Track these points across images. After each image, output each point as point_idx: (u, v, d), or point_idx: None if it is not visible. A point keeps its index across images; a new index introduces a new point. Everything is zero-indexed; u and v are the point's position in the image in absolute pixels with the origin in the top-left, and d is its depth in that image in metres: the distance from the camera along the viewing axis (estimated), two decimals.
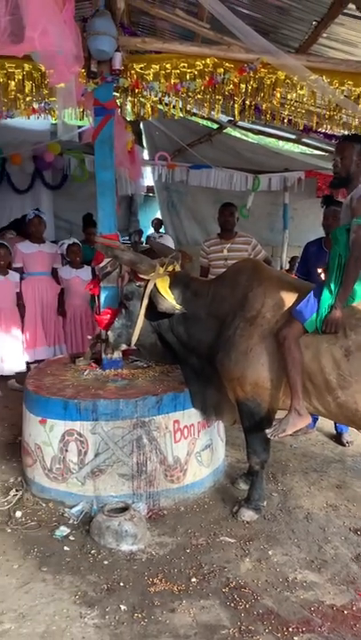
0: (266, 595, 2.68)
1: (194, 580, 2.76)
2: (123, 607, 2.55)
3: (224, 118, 7.40)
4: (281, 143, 8.51)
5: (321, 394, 3.06)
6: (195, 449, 3.55)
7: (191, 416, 3.51)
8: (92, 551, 2.97)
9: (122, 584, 2.72)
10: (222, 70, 3.60)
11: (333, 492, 3.75)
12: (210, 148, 8.59)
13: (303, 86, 3.69)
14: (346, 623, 2.51)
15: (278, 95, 3.69)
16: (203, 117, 7.75)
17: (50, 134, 7.89)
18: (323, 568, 2.91)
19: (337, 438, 4.61)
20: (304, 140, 8.19)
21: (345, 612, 2.58)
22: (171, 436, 3.42)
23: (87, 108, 3.81)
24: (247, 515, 3.33)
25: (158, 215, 10.06)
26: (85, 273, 5.81)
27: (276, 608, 2.59)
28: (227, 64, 3.59)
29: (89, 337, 4.18)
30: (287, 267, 8.03)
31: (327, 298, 2.97)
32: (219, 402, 3.49)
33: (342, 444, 4.53)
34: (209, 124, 8.41)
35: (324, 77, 3.62)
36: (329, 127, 5.44)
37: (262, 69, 3.58)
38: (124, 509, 3.13)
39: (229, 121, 7.60)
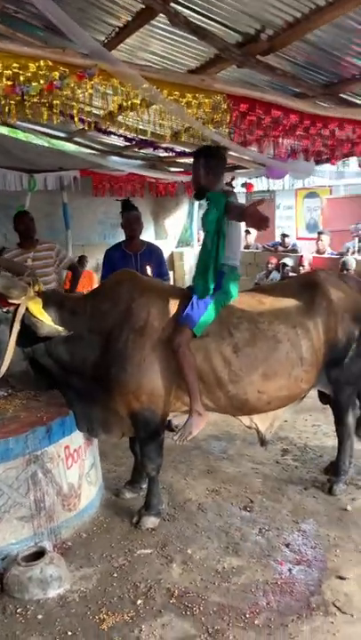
0: (209, 592, 2.79)
1: (139, 602, 2.72)
2: None
3: None
4: (54, 141, 8.33)
5: (211, 391, 3.25)
6: (85, 470, 3.42)
7: (78, 438, 3.37)
8: (18, 609, 2.67)
9: (70, 633, 2.53)
10: (57, 74, 3.43)
11: (208, 477, 4.01)
12: None
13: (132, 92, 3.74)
14: (284, 592, 2.78)
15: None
16: None
17: None
18: (239, 551, 3.14)
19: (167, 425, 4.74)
20: (75, 138, 8.17)
21: (278, 582, 2.86)
22: (63, 464, 3.23)
23: None
24: (150, 522, 3.36)
25: None
26: None
27: (225, 601, 2.72)
28: (62, 68, 3.43)
29: None
30: None
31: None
32: (106, 418, 3.40)
33: (172, 430, 4.66)
34: None
35: (155, 87, 3.74)
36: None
37: (100, 75, 3.52)
38: (38, 554, 2.88)
39: None
